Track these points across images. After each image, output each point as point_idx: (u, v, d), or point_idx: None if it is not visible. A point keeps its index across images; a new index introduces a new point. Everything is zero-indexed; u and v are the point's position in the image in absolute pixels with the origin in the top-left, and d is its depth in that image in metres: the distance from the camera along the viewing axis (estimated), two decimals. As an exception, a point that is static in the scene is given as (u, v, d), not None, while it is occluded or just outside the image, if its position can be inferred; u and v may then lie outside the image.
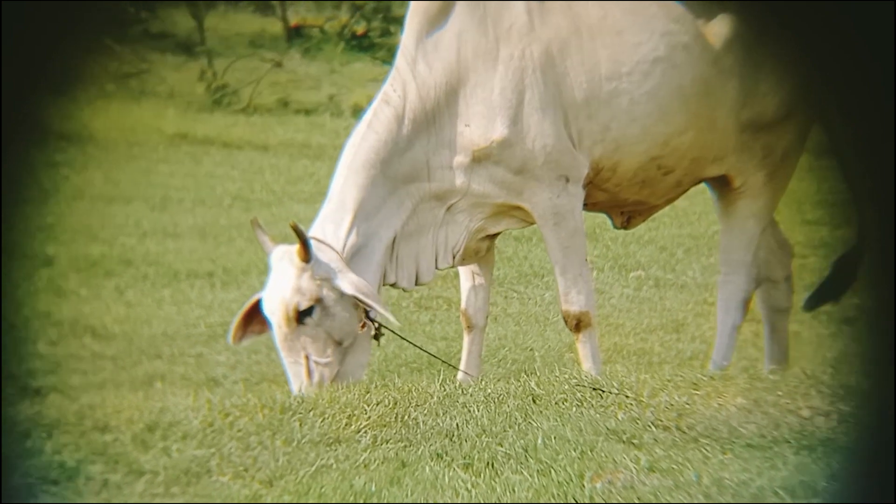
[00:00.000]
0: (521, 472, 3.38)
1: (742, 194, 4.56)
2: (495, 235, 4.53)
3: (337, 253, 4.21)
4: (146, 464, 3.40)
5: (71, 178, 7.90)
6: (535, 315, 5.93)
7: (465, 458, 3.48)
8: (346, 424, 3.70)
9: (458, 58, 4.28)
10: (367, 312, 4.25)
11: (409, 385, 4.06)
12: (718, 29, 4.42)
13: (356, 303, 4.20)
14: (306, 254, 4.15)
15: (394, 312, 4.32)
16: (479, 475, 3.38)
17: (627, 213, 4.61)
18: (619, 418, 3.70)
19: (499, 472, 3.40)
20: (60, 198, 7.47)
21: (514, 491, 3.28)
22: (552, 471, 3.37)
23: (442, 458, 3.48)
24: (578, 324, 4.42)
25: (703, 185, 4.69)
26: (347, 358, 4.22)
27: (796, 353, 4.80)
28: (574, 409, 3.78)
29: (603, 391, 3.88)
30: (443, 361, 4.72)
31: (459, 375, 4.50)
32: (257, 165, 8.61)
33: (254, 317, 4.30)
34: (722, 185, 4.62)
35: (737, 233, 4.58)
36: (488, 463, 3.44)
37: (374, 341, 4.33)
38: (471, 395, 3.86)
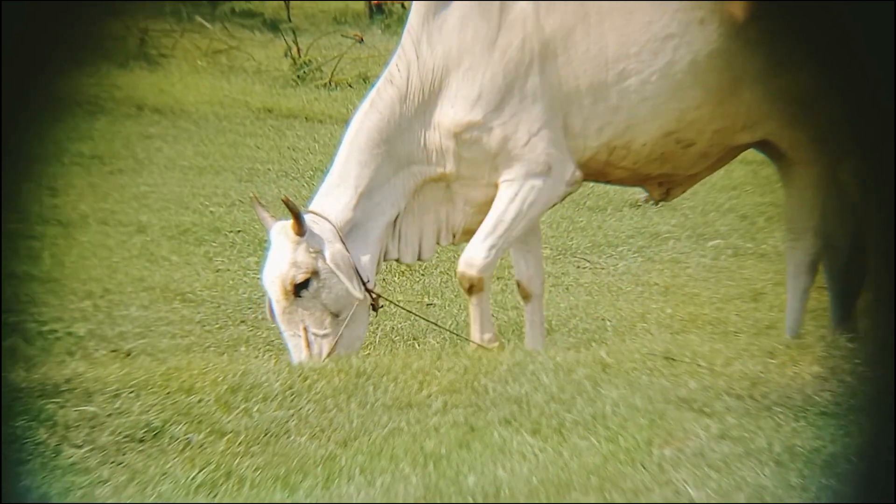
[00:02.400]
0: (589, 439, 3.40)
1: (796, 161, 4.45)
2: None
3: (332, 226, 4.26)
4: (228, 424, 3.54)
5: (164, 150, 8.11)
6: (607, 285, 5.89)
7: (532, 423, 3.52)
8: (417, 389, 3.77)
9: (459, 41, 4.26)
10: (364, 283, 4.28)
11: (480, 352, 4.11)
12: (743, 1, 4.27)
13: (353, 275, 4.23)
14: (300, 227, 4.20)
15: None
16: (547, 440, 3.42)
17: (664, 185, 4.52)
18: (691, 387, 3.68)
19: (566, 437, 3.43)
20: (154, 168, 7.69)
21: (581, 456, 3.31)
22: (620, 437, 3.39)
23: (510, 424, 3.52)
24: (472, 287, 4.35)
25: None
26: (345, 330, 4.25)
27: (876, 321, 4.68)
28: (644, 377, 3.77)
29: (675, 360, 3.86)
30: (447, 331, 4.73)
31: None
32: (338, 139, 8.70)
33: None
34: (776, 153, 4.50)
35: (798, 199, 4.49)
36: (556, 429, 3.48)
37: (372, 312, 4.37)
38: (540, 364, 3.89)
